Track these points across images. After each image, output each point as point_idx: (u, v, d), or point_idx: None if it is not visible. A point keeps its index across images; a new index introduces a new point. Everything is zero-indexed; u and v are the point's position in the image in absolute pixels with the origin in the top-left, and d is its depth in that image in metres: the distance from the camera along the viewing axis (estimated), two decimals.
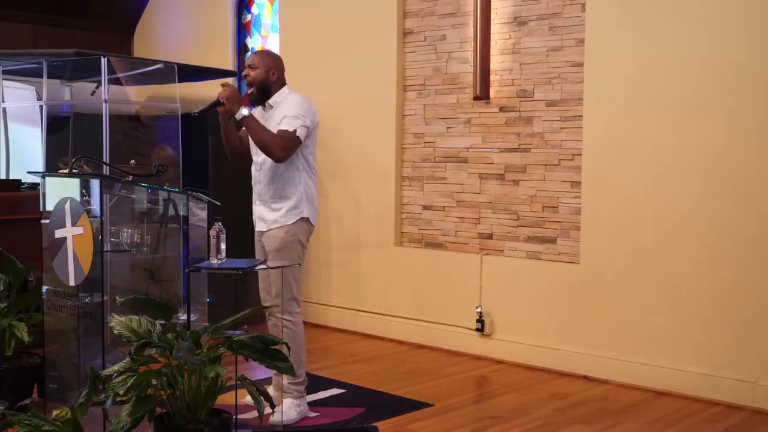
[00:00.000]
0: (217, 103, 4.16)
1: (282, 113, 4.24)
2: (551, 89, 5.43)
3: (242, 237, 5.61)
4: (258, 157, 4.37)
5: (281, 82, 4.36)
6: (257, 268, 4.07)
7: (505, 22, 5.63)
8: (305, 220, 4.35)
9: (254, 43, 7.54)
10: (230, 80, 4.33)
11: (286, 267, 4.27)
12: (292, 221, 4.31)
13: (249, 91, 4.32)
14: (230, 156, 4.48)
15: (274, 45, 7.28)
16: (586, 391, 4.93)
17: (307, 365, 4.60)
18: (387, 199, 6.28)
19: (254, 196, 4.46)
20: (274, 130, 4.21)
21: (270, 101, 4.33)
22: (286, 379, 4.29)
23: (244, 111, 4.13)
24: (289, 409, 4.28)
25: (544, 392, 4.91)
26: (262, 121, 4.28)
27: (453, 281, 5.89)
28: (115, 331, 3.33)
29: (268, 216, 4.36)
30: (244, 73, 4.36)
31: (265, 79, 4.30)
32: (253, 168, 4.46)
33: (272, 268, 4.24)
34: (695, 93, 4.79)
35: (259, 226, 4.42)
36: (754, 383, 4.60)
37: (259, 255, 4.47)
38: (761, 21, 4.55)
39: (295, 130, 4.17)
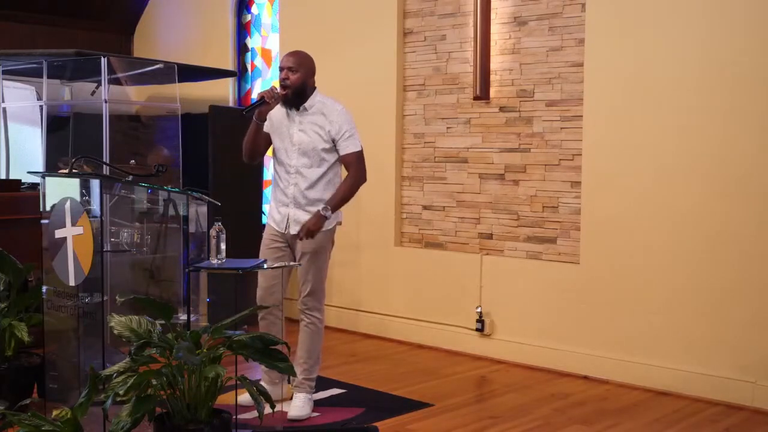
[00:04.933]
0: (262, 102, 4.21)
1: (331, 125, 4.32)
2: (551, 89, 5.43)
3: (242, 237, 5.62)
4: (290, 159, 4.35)
5: (314, 86, 4.41)
6: (257, 268, 4.07)
7: (505, 22, 5.63)
8: (339, 223, 4.50)
9: (254, 43, 7.54)
10: (277, 87, 4.31)
11: (285, 267, 4.28)
12: (332, 225, 4.42)
13: (284, 93, 4.28)
14: (249, 157, 4.46)
15: (274, 45, 7.29)
16: (586, 391, 4.93)
17: None
18: (387, 199, 6.28)
19: (282, 198, 4.41)
20: (312, 134, 4.31)
21: (306, 104, 4.35)
22: (301, 375, 4.35)
23: (329, 213, 4.30)
24: (304, 405, 4.38)
25: (544, 392, 4.91)
26: (293, 123, 4.35)
27: (453, 281, 5.89)
28: (115, 331, 3.33)
29: (306, 219, 4.34)
30: (282, 76, 4.30)
31: (304, 84, 4.33)
32: (280, 170, 4.41)
33: (272, 268, 4.24)
34: (695, 93, 4.79)
35: (294, 229, 4.36)
36: (754, 383, 4.60)
37: (271, 255, 4.41)
38: (761, 21, 4.55)
39: (360, 149, 4.40)
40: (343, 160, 4.40)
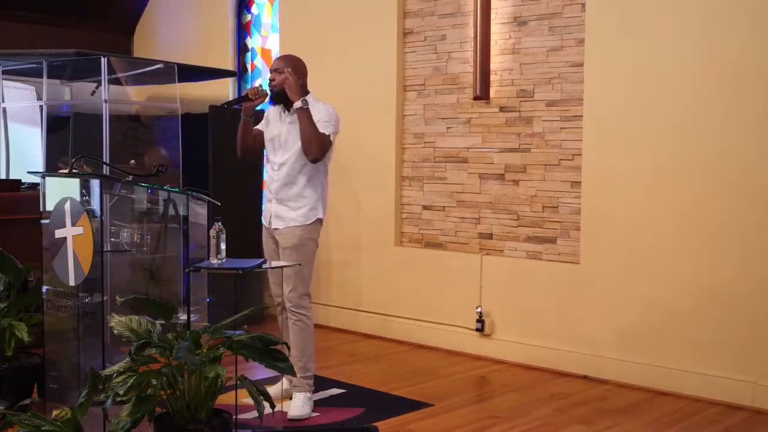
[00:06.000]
0: (244, 98, 4.30)
1: (314, 117, 4.33)
2: (551, 89, 5.43)
3: (242, 237, 5.60)
4: (276, 156, 4.46)
5: (305, 88, 4.46)
6: (257, 268, 4.07)
7: (505, 22, 5.63)
8: (320, 220, 4.53)
9: (254, 43, 7.54)
10: (260, 83, 4.40)
11: (286, 267, 4.28)
12: (311, 221, 4.47)
13: (272, 89, 4.39)
14: (240, 153, 4.56)
15: (274, 45, 7.28)
16: (586, 391, 4.93)
17: None
18: (387, 199, 6.28)
19: (267, 195, 4.54)
20: (297, 132, 4.33)
21: (295, 106, 4.39)
22: (298, 373, 4.33)
23: (302, 103, 4.25)
24: (304, 405, 4.40)
25: (544, 392, 4.91)
26: (283, 123, 4.45)
27: (453, 281, 5.89)
28: (115, 331, 3.33)
29: (286, 214, 4.44)
30: (270, 77, 4.44)
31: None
32: (268, 167, 4.55)
33: (272, 268, 4.25)
34: (695, 93, 4.79)
35: (275, 224, 4.48)
36: (754, 383, 4.60)
37: (268, 251, 4.57)
38: (761, 21, 4.55)
39: (329, 135, 4.34)
40: None
